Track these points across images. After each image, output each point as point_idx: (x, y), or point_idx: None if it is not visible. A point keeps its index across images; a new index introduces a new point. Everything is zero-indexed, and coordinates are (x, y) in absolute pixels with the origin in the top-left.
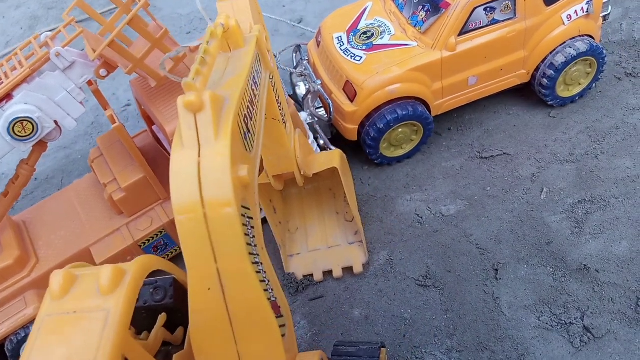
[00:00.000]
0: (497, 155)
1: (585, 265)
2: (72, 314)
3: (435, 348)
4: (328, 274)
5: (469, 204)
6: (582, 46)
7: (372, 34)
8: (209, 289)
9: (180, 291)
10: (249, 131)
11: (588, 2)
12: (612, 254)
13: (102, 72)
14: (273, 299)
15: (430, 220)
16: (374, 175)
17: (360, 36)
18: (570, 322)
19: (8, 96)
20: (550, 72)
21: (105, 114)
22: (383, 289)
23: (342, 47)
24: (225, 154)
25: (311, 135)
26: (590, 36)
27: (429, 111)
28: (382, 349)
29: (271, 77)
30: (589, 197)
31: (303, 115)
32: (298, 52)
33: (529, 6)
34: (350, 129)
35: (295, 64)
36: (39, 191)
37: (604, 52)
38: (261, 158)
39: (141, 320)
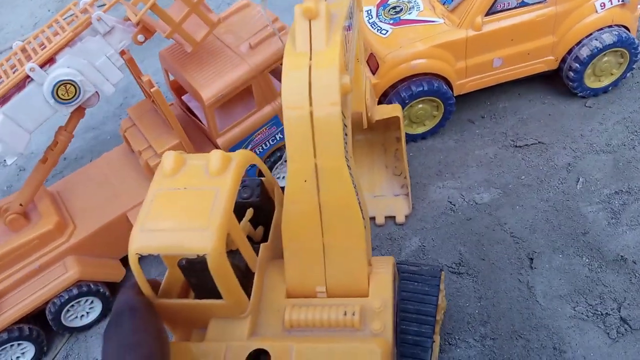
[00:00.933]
0: (532, 144)
1: (622, 256)
2: (182, 189)
3: (468, 335)
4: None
5: (503, 193)
6: (609, 38)
7: (401, 9)
8: (305, 181)
9: (265, 193)
10: (347, 51)
11: None
12: None
13: (140, 37)
14: (359, 201)
15: (464, 208)
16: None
17: (389, 10)
18: (606, 313)
19: (51, 60)
20: (575, 65)
21: (142, 79)
22: None
23: (370, 20)
24: (335, 60)
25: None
26: (625, 26)
27: (452, 89)
28: (442, 272)
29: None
30: (626, 188)
31: None
32: None
33: None
34: None
35: None
36: (67, 171)
37: (636, 42)
38: None
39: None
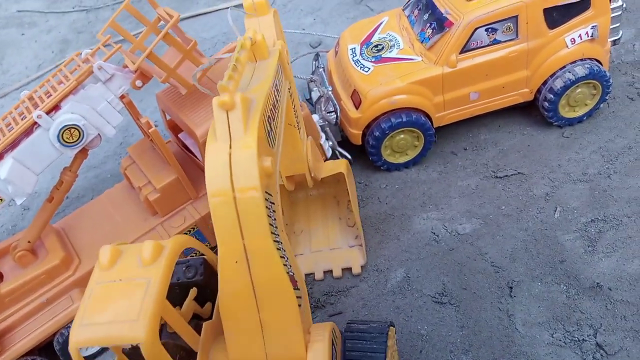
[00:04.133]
0: (512, 175)
1: (598, 283)
2: (118, 281)
3: None
4: (328, 273)
5: (484, 223)
6: (581, 71)
7: (383, 47)
8: (236, 262)
9: (209, 270)
10: (271, 130)
11: (593, 26)
12: (625, 272)
13: (138, 83)
14: (291, 273)
15: (446, 238)
16: (392, 194)
17: (371, 49)
18: (583, 339)
19: (56, 107)
20: (550, 95)
21: (141, 120)
22: (400, 305)
23: (354, 58)
24: (252, 146)
25: (323, 135)
26: (597, 60)
27: (431, 121)
28: (391, 327)
29: (289, 86)
30: (602, 216)
31: (315, 118)
32: (317, 60)
33: (531, 28)
34: (355, 134)
35: (312, 71)
36: (70, 208)
37: (608, 75)
38: None
39: (175, 295)
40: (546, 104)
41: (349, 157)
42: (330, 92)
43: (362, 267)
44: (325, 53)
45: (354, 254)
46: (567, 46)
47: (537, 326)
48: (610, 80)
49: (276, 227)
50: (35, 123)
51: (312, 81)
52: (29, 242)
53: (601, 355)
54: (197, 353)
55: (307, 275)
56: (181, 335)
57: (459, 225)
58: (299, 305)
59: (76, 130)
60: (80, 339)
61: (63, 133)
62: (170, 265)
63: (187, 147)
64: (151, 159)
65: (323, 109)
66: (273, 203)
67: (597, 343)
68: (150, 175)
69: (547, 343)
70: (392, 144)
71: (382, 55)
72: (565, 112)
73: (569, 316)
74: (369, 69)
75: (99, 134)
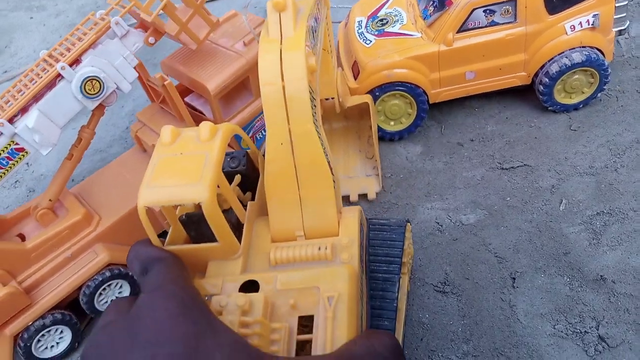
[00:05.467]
0: (518, 167)
1: (601, 276)
2: (179, 155)
3: (451, 352)
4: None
5: (489, 214)
6: (578, 57)
7: (387, 22)
8: (282, 144)
9: (250, 163)
10: (314, 39)
11: (594, 15)
12: (629, 266)
13: (151, 39)
14: (328, 160)
15: (450, 228)
16: (396, 184)
17: (377, 22)
18: (585, 331)
19: (77, 61)
20: (545, 79)
21: (155, 76)
22: None
23: (359, 31)
24: (301, 43)
25: None
26: (599, 49)
27: (427, 97)
28: (408, 223)
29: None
30: (608, 209)
31: None
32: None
33: (529, 13)
34: None
35: None
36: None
37: (606, 64)
38: None
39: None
40: (541, 87)
41: None
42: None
43: (377, 193)
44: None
45: (370, 182)
46: (566, 33)
47: (539, 317)
48: (609, 70)
49: (317, 120)
50: (59, 75)
51: None
52: (50, 200)
53: (603, 347)
54: (242, 225)
55: None
56: (232, 205)
57: (463, 215)
58: (334, 188)
59: (97, 82)
60: (147, 200)
61: (85, 84)
62: (224, 142)
63: (196, 108)
64: (162, 119)
65: None
66: (314, 98)
67: (599, 335)
68: None
69: (549, 334)
70: (385, 109)
71: (385, 30)
72: (561, 98)
73: (571, 308)
74: (371, 41)
75: (114, 90)
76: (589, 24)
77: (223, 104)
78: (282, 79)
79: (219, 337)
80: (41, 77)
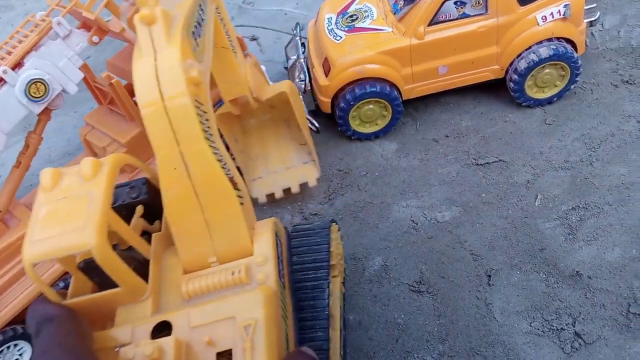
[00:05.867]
0: (493, 162)
1: (577, 271)
2: (62, 199)
3: (427, 353)
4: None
5: (464, 211)
6: (545, 52)
7: (357, 17)
8: (175, 169)
9: (152, 189)
10: (197, 45)
11: (565, 5)
12: (605, 261)
13: (95, 38)
14: (230, 175)
15: (425, 226)
16: (371, 182)
17: (346, 19)
18: (561, 328)
19: (19, 64)
20: (515, 76)
21: (102, 76)
22: (377, 294)
23: (329, 27)
24: (176, 55)
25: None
26: (571, 40)
27: (400, 93)
28: (334, 224)
29: (218, 11)
30: (583, 203)
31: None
32: (296, 29)
33: (500, 4)
34: (324, 102)
35: (290, 40)
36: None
37: (576, 56)
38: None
39: (122, 217)
40: (512, 84)
41: (317, 125)
42: (302, 60)
43: (317, 180)
44: (305, 24)
45: (308, 169)
46: (538, 24)
47: (515, 315)
48: (579, 62)
49: (211, 134)
50: (1, 80)
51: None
52: (0, 211)
53: (579, 344)
54: (149, 262)
55: (267, 195)
56: (132, 244)
57: (439, 213)
58: (241, 204)
59: (42, 85)
60: (32, 255)
61: (30, 87)
62: (111, 174)
63: None
64: (110, 120)
65: (296, 76)
66: (205, 112)
67: (575, 332)
68: (114, 134)
69: (525, 332)
70: (360, 114)
71: (355, 25)
72: (534, 93)
73: (547, 305)
74: (341, 37)
75: (60, 93)
76: (560, 15)
77: None
78: (162, 98)
79: None
80: None
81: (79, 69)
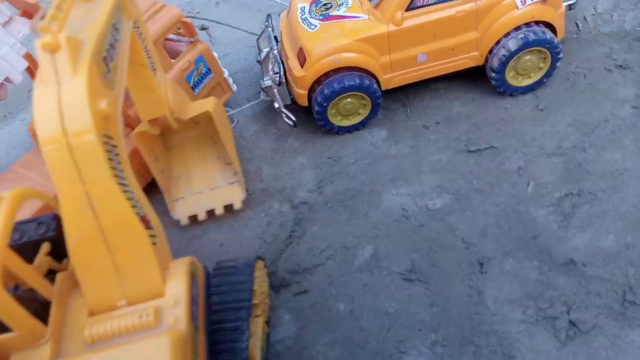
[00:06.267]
0: (485, 149)
1: (571, 259)
2: None
3: (419, 342)
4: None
5: (455, 198)
6: (513, 44)
7: (331, 6)
8: (80, 210)
9: (62, 224)
10: (109, 71)
11: None
12: (599, 248)
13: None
14: (142, 214)
15: (416, 214)
16: (361, 170)
17: (320, 7)
18: (555, 317)
19: None
20: (494, 65)
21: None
22: (368, 283)
23: (303, 17)
24: (83, 88)
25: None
26: (550, 23)
27: (379, 84)
28: (259, 260)
29: (137, 26)
30: (577, 190)
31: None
32: (267, 21)
33: None
34: (300, 94)
35: (261, 31)
36: None
37: (555, 41)
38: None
39: (28, 254)
40: (492, 73)
41: (294, 119)
42: (275, 52)
43: (242, 201)
44: (278, 15)
45: (234, 190)
46: (517, 7)
47: (508, 303)
48: (559, 46)
49: (122, 170)
50: None
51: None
52: None
53: (574, 332)
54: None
55: (190, 217)
56: (31, 284)
57: (430, 200)
58: (154, 244)
59: None
60: None
61: None
62: (10, 212)
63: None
64: None
65: (270, 69)
66: (115, 146)
67: (570, 320)
68: None
69: (519, 321)
70: (339, 108)
71: (330, 13)
72: (518, 82)
73: (541, 293)
74: (316, 26)
75: (3, 82)
76: None
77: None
78: (65, 135)
79: None
80: None
81: (23, 57)
